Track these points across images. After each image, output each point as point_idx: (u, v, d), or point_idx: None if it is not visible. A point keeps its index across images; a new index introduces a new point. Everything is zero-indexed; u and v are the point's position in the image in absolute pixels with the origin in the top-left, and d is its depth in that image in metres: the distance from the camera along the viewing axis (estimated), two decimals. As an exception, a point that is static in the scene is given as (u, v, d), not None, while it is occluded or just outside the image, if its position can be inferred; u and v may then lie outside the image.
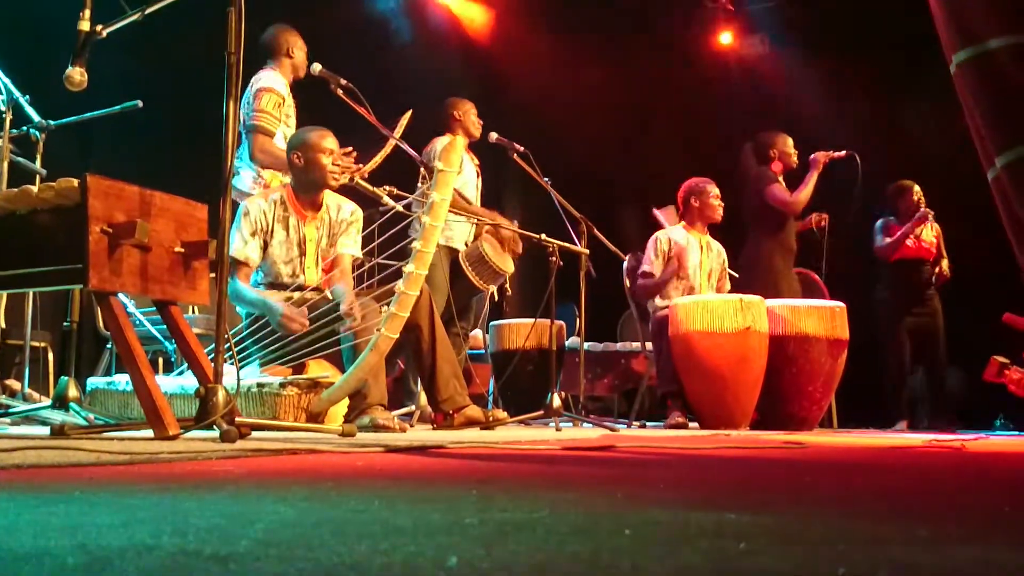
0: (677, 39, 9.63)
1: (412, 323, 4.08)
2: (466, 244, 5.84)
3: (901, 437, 5.22)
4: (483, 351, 7.11)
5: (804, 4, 9.34)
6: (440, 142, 5.67)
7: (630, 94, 9.31)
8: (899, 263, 6.99)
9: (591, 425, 5.48)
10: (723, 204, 6.28)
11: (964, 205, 6.78)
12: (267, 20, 5.01)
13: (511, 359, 6.37)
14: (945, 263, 7.07)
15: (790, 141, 6.60)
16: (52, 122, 4.48)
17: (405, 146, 4.93)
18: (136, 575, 0.80)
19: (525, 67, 9.13)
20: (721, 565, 0.88)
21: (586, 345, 5.76)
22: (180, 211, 3.07)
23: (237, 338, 3.89)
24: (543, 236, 5.19)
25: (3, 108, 4.30)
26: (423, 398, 5.30)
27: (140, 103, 4.52)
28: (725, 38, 9.98)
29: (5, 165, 4.25)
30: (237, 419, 2.75)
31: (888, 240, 6.97)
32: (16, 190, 2.93)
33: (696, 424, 5.80)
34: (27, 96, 4.38)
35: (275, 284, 4.28)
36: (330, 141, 4.25)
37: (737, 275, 6.48)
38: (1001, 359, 6.22)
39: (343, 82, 4.66)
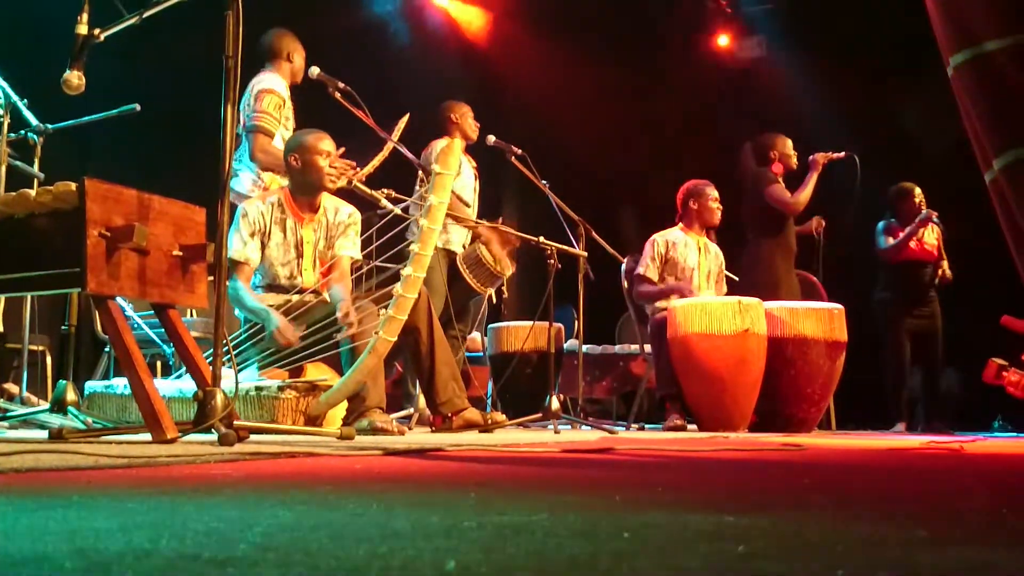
0: (675, 41, 9.64)
1: (410, 326, 4.08)
2: (464, 247, 5.85)
3: (899, 439, 5.22)
4: (481, 354, 7.11)
5: (802, 6, 9.35)
6: (438, 145, 5.67)
7: (628, 96, 9.31)
8: (900, 265, 6.99)
9: (590, 428, 5.48)
10: (722, 207, 6.28)
11: (962, 207, 6.79)
12: (265, 24, 5.01)
13: (510, 362, 6.36)
14: (945, 264, 7.07)
15: (790, 143, 6.61)
16: (50, 126, 4.48)
17: (403, 149, 4.93)
18: (134, 579, 0.80)
19: (523, 70, 9.14)
20: (720, 568, 0.87)
21: (584, 347, 5.76)
22: (178, 214, 3.07)
23: (235, 341, 3.89)
24: (541, 238, 5.19)
25: (1, 112, 4.29)
26: (421, 401, 5.29)
27: (138, 107, 4.52)
28: (723, 40, 10.00)
29: (3, 169, 4.24)
30: (235, 422, 2.74)
31: (892, 242, 6.97)
32: (14, 194, 2.93)
33: (695, 426, 5.80)
34: (25, 100, 4.37)
35: (273, 286, 4.28)
36: (327, 143, 4.25)
37: (737, 278, 6.48)
38: (999, 361, 6.23)
39: (341, 85, 4.66)
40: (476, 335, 7.09)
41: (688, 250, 6.20)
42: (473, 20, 9.62)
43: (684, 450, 3.28)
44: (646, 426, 6.38)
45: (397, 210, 4.36)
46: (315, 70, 4.75)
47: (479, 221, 5.82)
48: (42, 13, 5.66)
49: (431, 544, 0.97)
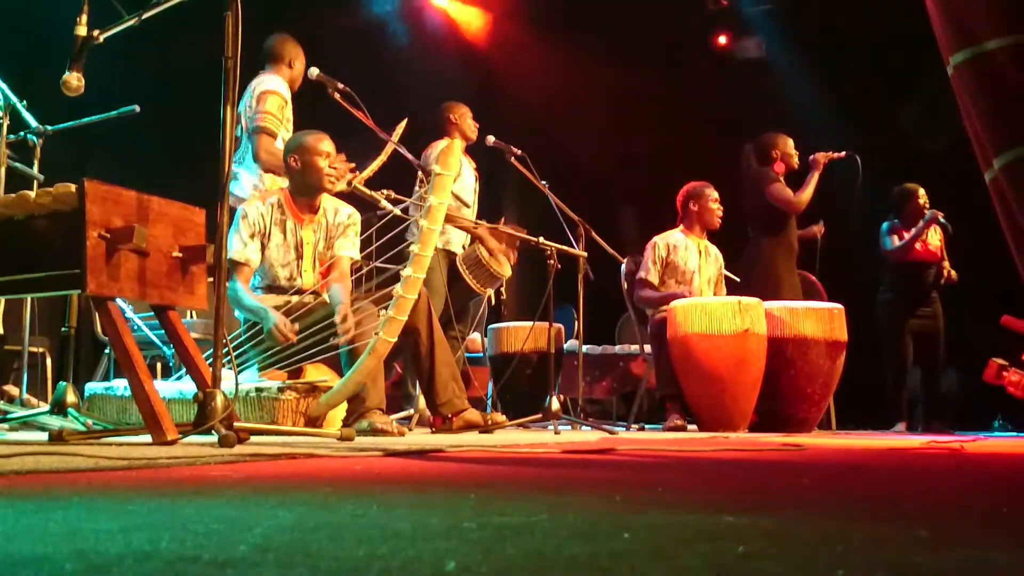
0: (674, 42, 9.65)
1: (410, 327, 4.08)
2: (464, 247, 5.85)
3: (900, 438, 5.22)
4: (481, 354, 7.11)
5: (800, 7, 9.35)
6: (437, 146, 5.67)
7: (627, 97, 9.32)
8: (904, 265, 7.00)
9: (590, 428, 5.48)
10: (722, 208, 6.28)
11: (962, 207, 6.80)
12: (264, 25, 5.01)
13: (509, 362, 6.36)
14: (947, 265, 7.08)
15: (791, 142, 6.61)
16: (50, 127, 4.48)
17: (403, 150, 4.93)
18: (134, 581, 0.80)
19: (522, 70, 9.14)
20: (720, 568, 0.87)
21: (584, 348, 5.76)
22: (178, 216, 3.07)
23: (235, 343, 3.89)
24: (541, 239, 5.20)
25: (1, 113, 4.29)
26: (421, 402, 5.29)
27: (137, 108, 4.52)
28: (722, 40, 10.00)
29: (3, 170, 4.24)
30: (235, 424, 2.74)
31: (898, 243, 6.97)
32: (14, 195, 2.93)
33: (695, 426, 5.80)
34: (24, 101, 4.38)
35: (272, 287, 4.28)
36: (326, 144, 4.26)
37: (738, 279, 6.47)
38: (1000, 361, 6.23)
39: (340, 86, 4.66)
40: (476, 336, 7.09)
41: (688, 253, 6.21)
42: (472, 21, 9.62)
43: (684, 450, 3.28)
44: (646, 426, 6.38)
45: (397, 211, 4.36)
46: (314, 71, 4.75)
47: (479, 222, 5.82)
48: (41, 15, 5.66)
49: (431, 545, 0.98)
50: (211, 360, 2.83)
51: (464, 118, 5.97)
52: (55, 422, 3.50)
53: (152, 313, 3.33)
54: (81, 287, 2.76)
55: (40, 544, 0.95)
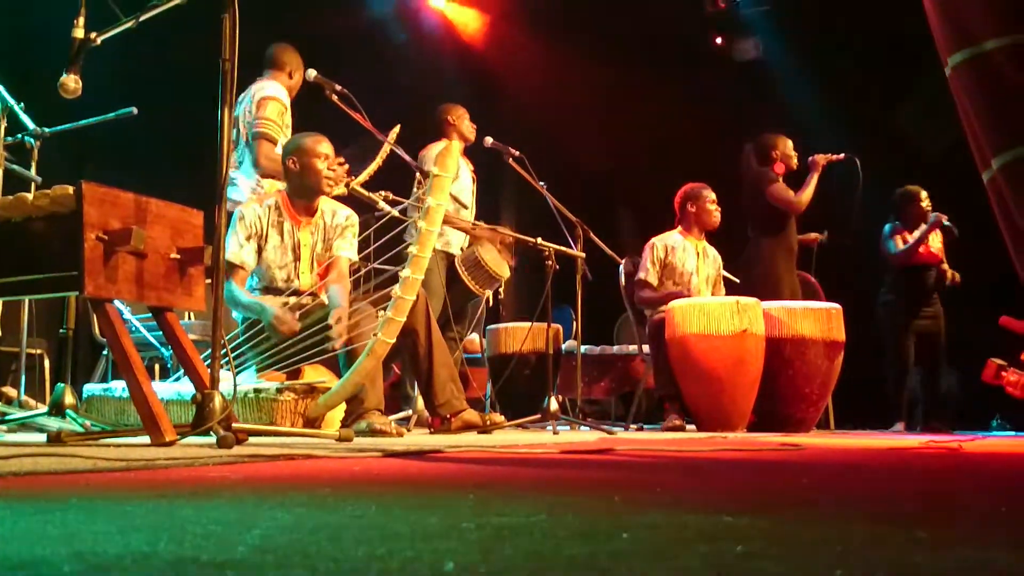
0: (672, 43, 9.64)
1: (409, 328, 4.08)
2: (462, 249, 5.85)
3: (898, 438, 5.23)
4: (480, 355, 7.11)
5: (797, 8, 9.36)
6: (435, 148, 5.67)
7: (625, 98, 9.32)
8: (906, 267, 7.00)
9: (588, 428, 5.48)
10: (720, 209, 6.28)
11: (960, 207, 6.81)
12: (261, 27, 4.99)
13: (508, 363, 6.36)
14: (945, 266, 7.09)
15: (790, 143, 6.62)
16: (47, 129, 4.47)
17: (400, 151, 4.93)
18: (132, 582, 0.80)
19: (519, 71, 9.14)
20: (719, 568, 0.87)
21: (583, 348, 5.76)
22: (175, 218, 3.07)
23: (233, 344, 3.88)
24: (539, 240, 5.20)
25: (-2, 115, 4.30)
26: (420, 402, 5.29)
27: (135, 110, 4.52)
28: (720, 41, 10.00)
29: (0, 173, 4.24)
30: (234, 425, 2.74)
31: (902, 246, 6.98)
32: (11, 197, 2.93)
33: (693, 427, 5.80)
34: (22, 103, 4.37)
35: (270, 289, 4.28)
36: (325, 146, 4.26)
37: (738, 280, 6.48)
38: (998, 361, 6.23)
39: (338, 88, 4.66)
40: (475, 336, 7.09)
41: (686, 254, 6.21)
42: (469, 22, 9.62)
43: (683, 450, 3.28)
44: (645, 426, 6.38)
45: (395, 212, 4.36)
46: (312, 72, 4.75)
47: (477, 223, 5.82)
48: (39, 17, 5.66)
49: (430, 545, 0.97)
50: (209, 361, 2.82)
51: (462, 120, 5.97)
52: (53, 423, 3.50)
53: (150, 315, 3.32)
54: (79, 289, 2.76)
55: (38, 546, 0.95)
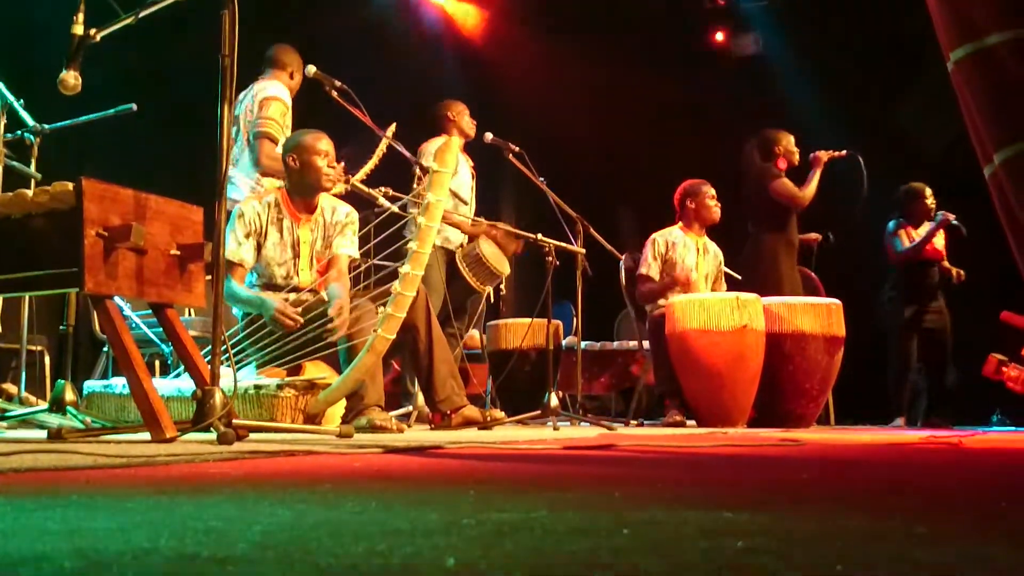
0: (671, 38, 9.64)
1: (409, 324, 4.08)
2: (462, 245, 5.85)
3: (898, 433, 5.23)
4: (480, 351, 7.12)
5: (797, 2, 9.35)
6: (434, 143, 5.67)
7: (625, 93, 9.31)
8: (909, 264, 7.00)
9: (588, 424, 5.48)
10: (720, 205, 6.28)
11: (959, 204, 6.81)
12: (261, 23, 4.99)
13: (508, 359, 6.37)
14: (946, 264, 7.09)
15: (792, 139, 6.62)
16: (47, 126, 4.47)
17: (399, 146, 4.93)
18: (133, 579, 0.80)
19: (520, 67, 9.13)
20: (719, 563, 0.87)
21: (583, 344, 5.76)
22: (175, 214, 3.07)
23: (233, 340, 3.88)
24: (539, 236, 5.19)
25: (-2, 112, 4.29)
26: (420, 399, 5.30)
27: (134, 106, 4.52)
28: (719, 37, 9.99)
29: (0, 169, 4.24)
30: (234, 421, 2.74)
31: (909, 244, 6.97)
32: (11, 194, 2.92)
33: (693, 422, 5.80)
34: (21, 100, 4.37)
35: (269, 285, 4.28)
36: (325, 143, 4.26)
37: (740, 276, 6.48)
38: (999, 356, 6.24)
39: (338, 84, 4.65)
40: (475, 332, 7.09)
41: (687, 251, 6.21)
42: (469, 17, 9.61)
43: (683, 446, 3.28)
44: (645, 422, 6.38)
45: (395, 208, 4.36)
46: (312, 68, 4.75)
47: (477, 220, 5.82)
48: (38, 14, 5.66)
49: (430, 541, 0.97)
50: (209, 358, 2.82)
51: (462, 116, 5.96)
52: (54, 420, 3.50)
53: (150, 311, 3.32)
54: (79, 285, 2.76)
55: (39, 542, 0.95)
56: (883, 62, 8.70)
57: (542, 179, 5.49)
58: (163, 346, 4.98)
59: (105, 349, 5.35)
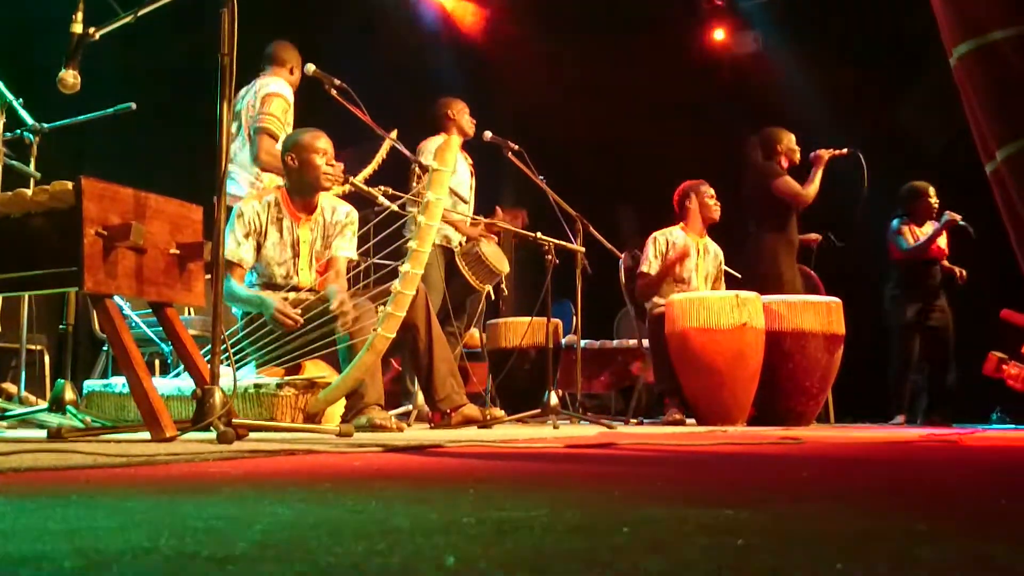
0: (671, 36, 9.63)
1: (409, 322, 4.08)
2: (461, 243, 5.85)
3: (898, 431, 5.23)
4: (480, 350, 7.12)
5: (796, 1, 9.35)
6: (432, 141, 5.67)
7: (625, 92, 9.31)
8: (912, 263, 7.01)
9: (588, 423, 5.48)
10: (719, 204, 6.28)
11: (960, 202, 6.81)
12: (260, 21, 4.99)
13: (508, 357, 6.37)
14: (946, 263, 7.09)
15: (793, 137, 6.62)
16: (46, 125, 4.47)
17: (400, 146, 4.93)
18: (133, 578, 0.80)
19: (519, 65, 9.12)
20: (719, 561, 0.87)
21: (583, 343, 5.76)
22: (175, 213, 3.07)
23: (233, 339, 3.88)
24: (539, 234, 5.19)
25: (-3, 111, 4.29)
26: (420, 397, 5.30)
27: (134, 105, 4.52)
28: (718, 35, 9.99)
29: (-1, 168, 4.24)
30: (234, 420, 2.74)
31: (913, 243, 6.97)
32: (10, 193, 2.92)
33: (693, 421, 5.80)
34: (21, 99, 4.37)
35: (269, 285, 4.28)
36: (323, 142, 4.26)
37: (740, 275, 6.48)
38: (999, 354, 6.24)
39: (337, 82, 4.65)
40: (475, 331, 7.09)
41: (687, 250, 6.21)
42: (469, 16, 9.61)
43: (683, 444, 3.28)
44: (645, 421, 6.38)
45: (394, 207, 4.36)
46: (311, 67, 4.74)
47: (476, 218, 5.82)
48: (37, 12, 5.65)
49: (430, 540, 0.97)
50: (209, 357, 2.82)
51: (462, 114, 5.96)
52: (54, 419, 3.50)
53: (150, 310, 3.32)
54: (78, 285, 2.76)
55: (39, 542, 0.95)
56: (883, 60, 8.70)
57: (541, 177, 5.49)
58: (163, 345, 4.98)
59: (105, 348, 5.35)
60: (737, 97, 9.16)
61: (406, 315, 3.64)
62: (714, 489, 1.78)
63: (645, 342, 6.33)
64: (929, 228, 7.03)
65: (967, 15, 2.54)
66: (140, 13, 3.11)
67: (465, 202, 5.87)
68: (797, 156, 6.60)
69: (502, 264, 5.72)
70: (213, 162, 2.84)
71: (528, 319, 6.23)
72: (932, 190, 7.05)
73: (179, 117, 6.47)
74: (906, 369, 7.02)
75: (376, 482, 1.78)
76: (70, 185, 2.79)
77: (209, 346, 2.83)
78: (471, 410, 4.51)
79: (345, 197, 4.52)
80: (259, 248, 4.23)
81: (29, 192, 2.87)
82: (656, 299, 6.17)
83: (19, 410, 3.86)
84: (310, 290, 4.24)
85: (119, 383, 3.98)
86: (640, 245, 6.35)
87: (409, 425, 4.95)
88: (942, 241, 7.03)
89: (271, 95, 4.88)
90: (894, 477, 2.17)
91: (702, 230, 6.30)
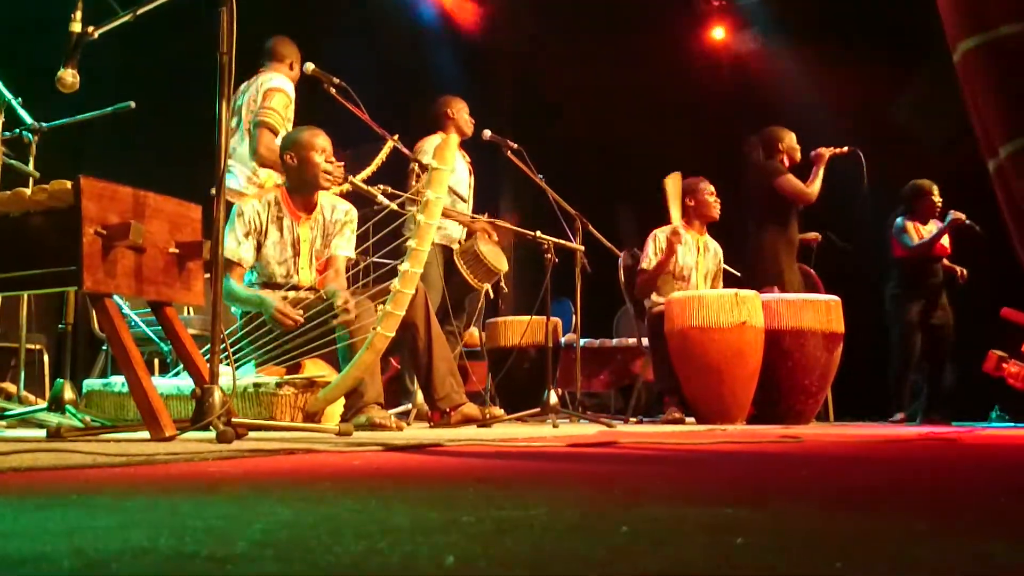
0: (670, 35, 9.63)
1: (408, 321, 4.08)
2: (460, 242, 5.84)
3: (898, 430, 5.23)
4: (479, 348, 7.12)
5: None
6: (431, 140, 5.67)
7: (625, 91, 9.31)
8: (914, 261, 7.01)
9: (588, 422, 5.48)
10: (719, 201, 6.28)
11: (960, 200, 6.80)
12: (259, 20, 4.99)
13: (507, 356, 6.37)
14: (947, 262, 7.10)
15: (794, 136, 6.63)
16: (45, 124, 4.47)
17: (401, 146, 4.93)
18: (133, 578, 0.80)
19: (519, 64, 9.13)
20: (719, 560, 0.87)
21: (582, 341, 5.76)
22: (174, 212, 3.07)
23: (232, 339, 3.88)
24: (538, 233, 5.19)
25: (-4, 111, 4.29)
26: (419, 396, 5.29)
27: (133, 104, 4.52)
28: (718, 33, 9.99)
29: (-2, 167, 4.24)
30: (233, 420, 2.74)
31: (918, 242, 6.97)
32: (9, 192, 2.92)
33: (693, 419, 5.80)
34: (19, 98, 4.37)
35: (269, 284, 4.28)
36: (322, 139, 4.25)
37: (740, 274, 6.48)
38: (999, 353, 6.25)
39: (336, 81, 4.65)
40: (474, 330, 7.09)
41: (686, 248, 6.22)
42: (468, 14, 9.61)
43: (682, 443, 3.28)
44: (644, 419, 6.38)
45: (393, 206, 4.36)
46: (310, 66, 4.74)
47: (476, 216, 5.82)
48: (36, 11, 5.65)
49: (430, 539, 0.97)
50: (208, 356, 2.82)
51: (461, 113, 5.96)
52: (53, 419, 3.50)
53: (149, 309, 3.32)
54: (78, 284, 2.75)
55: (38, 542, 0.94)
56: (884, 58, 8.69)
57: (541, 176, 5.49)
58: (162, 344, 4.98)
59: (104, 347, 5.35)
60: (737, 96, 9.15)
61: (405, 314, 3.64)
62: (714, 488, 1.78)
63: (644, 341, 6.33)
64: (932, 227, 7.03)
65: (974, 10, 2.52)
66: (139, 12, 3.11)
67: (464, 201, 5.87)
68: (798, 155, 6.60)
69: (501, 263, 5.71)
70: (212, 161, 2.84)
71: (527, 318, 6.23)
72: (936, 188, 7.05)
73: (178, 116, 6.46)
74: (907, 368, 7.03)
75: (376, 481, 1.78)
76: (69, 184, 2.79)
77: (208, 345, 2.83)
78: (470, 409, 4.51)
79: (344, 196, 4.52)
80: (259, 247, 4.23)
81: (28, 191, 2.87)
82: (655, 298, 6.17)
83: (18, 409, 3.86)
84: (310, 289, 4.24)
85: (118, 382, 3.98)
86: (639, 244, 6.35)
87: (408, 424, 4.95)
88: (945, 240, 7.03)
89: (272, 90, 4.88)
90: (894, 476, 2.17)
91: (702, 228, 6.30)
